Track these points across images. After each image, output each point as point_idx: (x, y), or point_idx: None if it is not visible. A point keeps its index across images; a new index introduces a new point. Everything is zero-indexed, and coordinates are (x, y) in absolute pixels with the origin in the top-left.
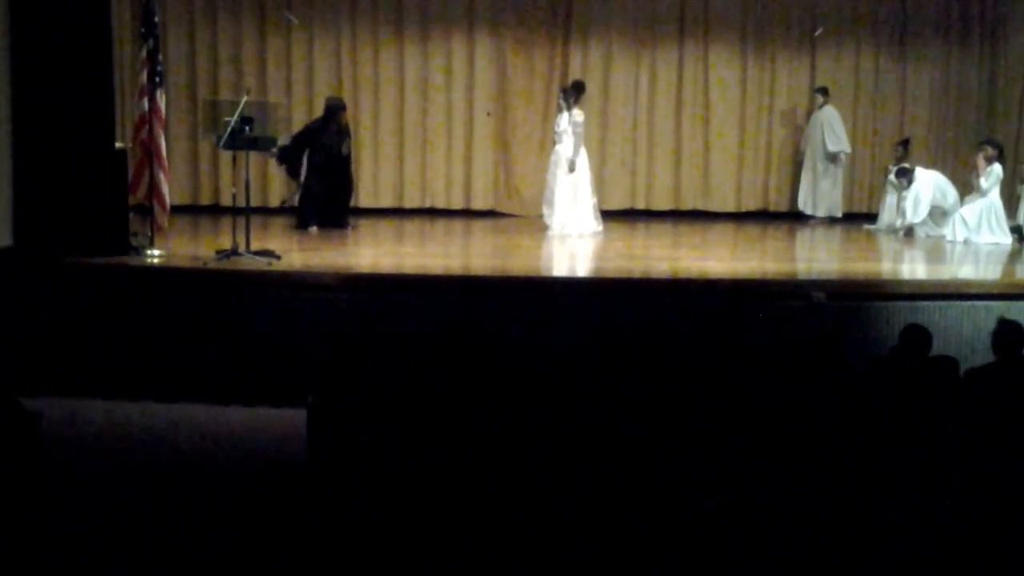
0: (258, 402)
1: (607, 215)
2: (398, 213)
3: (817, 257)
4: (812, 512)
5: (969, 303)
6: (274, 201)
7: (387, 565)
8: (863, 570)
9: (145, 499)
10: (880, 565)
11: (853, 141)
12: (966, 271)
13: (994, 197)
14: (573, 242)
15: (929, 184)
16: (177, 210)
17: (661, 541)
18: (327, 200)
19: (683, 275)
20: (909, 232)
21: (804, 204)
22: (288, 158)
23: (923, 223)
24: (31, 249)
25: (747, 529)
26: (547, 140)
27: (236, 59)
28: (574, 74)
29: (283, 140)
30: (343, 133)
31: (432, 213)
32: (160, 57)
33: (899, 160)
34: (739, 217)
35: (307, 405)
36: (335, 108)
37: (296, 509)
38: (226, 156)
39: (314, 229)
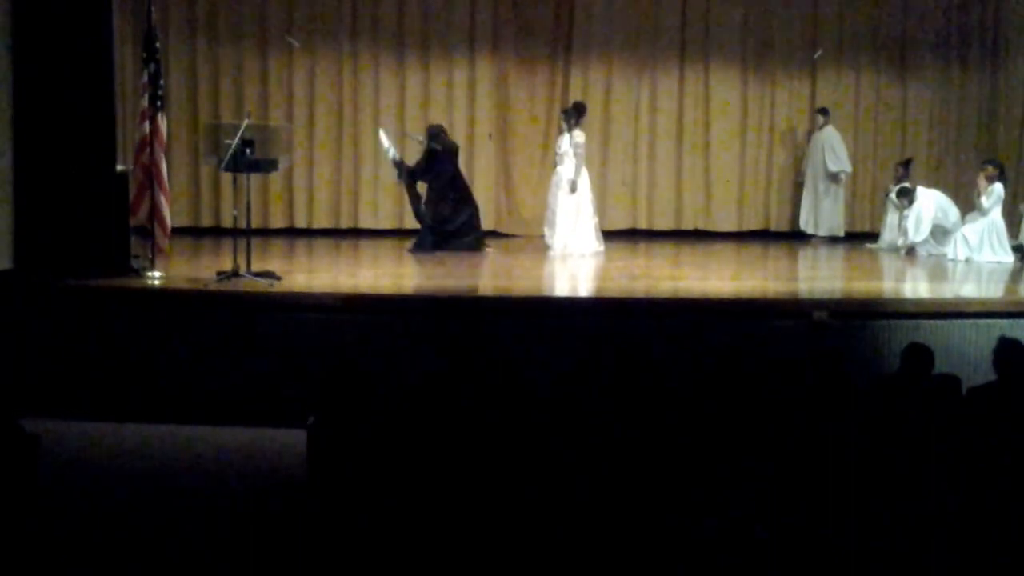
0: (258, 423)
1: (608, 235)
2: (399, 234)
3: (819, 276)
4: (812, 531)
5: (971, 321)
6: (274, 223)
7: None
8: None
9: (145, 520)
10: None
11: (854, 161)
12: (968, 290)
13: (996, 216)
14: (575, 262)
15: (930, 203)
16: (178, 232)
17: (661, 563)
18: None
19: (685, 295)
20: (911, 251)
21: (806, 223)
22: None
23: (925, 242)
24: (32, 271)
25: (747, 550)
26: (548, 161)
27: (237, 82)
28: (575, 95)
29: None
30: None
31: None
32: (161, 80)
33: (899, 180)
34: (740, 237)
35: (307, 426)
36: (433, 133)
37: (296, 529)
38: (226, 178)
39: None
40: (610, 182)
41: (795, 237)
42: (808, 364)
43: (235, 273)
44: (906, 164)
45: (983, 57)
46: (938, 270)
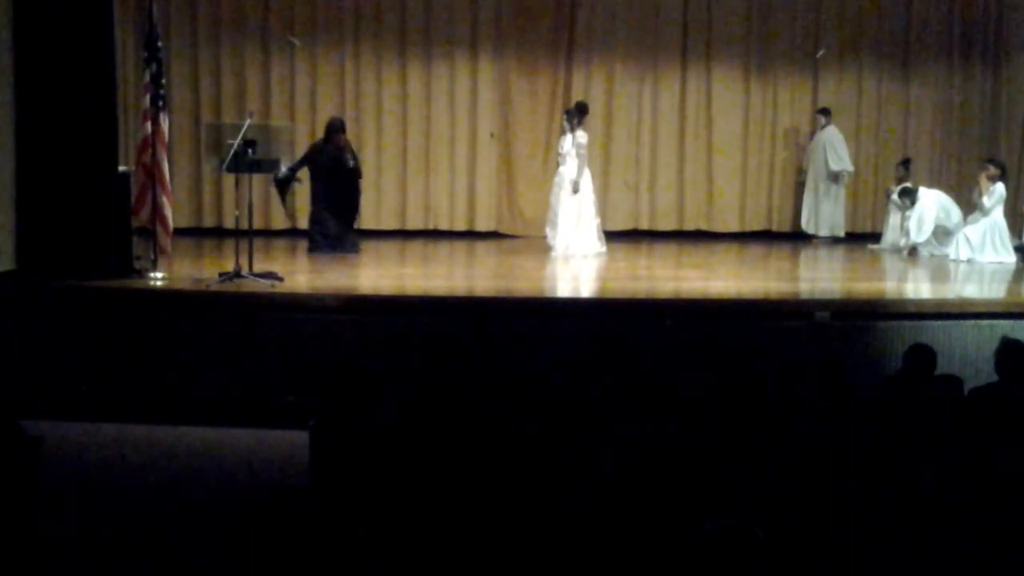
0: (260, 424)
1: (611, 236)
2: (401, 235)
3: (821, 277)
4: (813, 531)
5: (973, 322)
6: (276, 223)
7: None
8: None
9: (147, 521)
10: None
11: (856, 161)
12: (970, 290)
13: (998, 216)
14: (577, 263)
15: (933, 203)
16: (180, 233)
17: (661, 564)
18: (337, 224)
19: (687, 295)
20: (913, 251)
21: (807, 224)
22: (283, 180)
23: (927, 242)
24: (34, 272)
25: (747, 550)
26: (550, 161)
27: (239, 82)
28: (577, 95)
29: (286, 165)
30: (343, 153)
31: (435, 234)
32: (163, 81)
33: (900, 180)
34: (742, 237)
35: (309, 427)
36: (331, 128)
37: (297, 531)
38: (228, 179)
39: (325, 255)
40: (612, 182)
41: (797, 237)
42: (810, 364)
43: (237, 274)
44: (905, 164)
45: (985, 57)
46: (940, 271)
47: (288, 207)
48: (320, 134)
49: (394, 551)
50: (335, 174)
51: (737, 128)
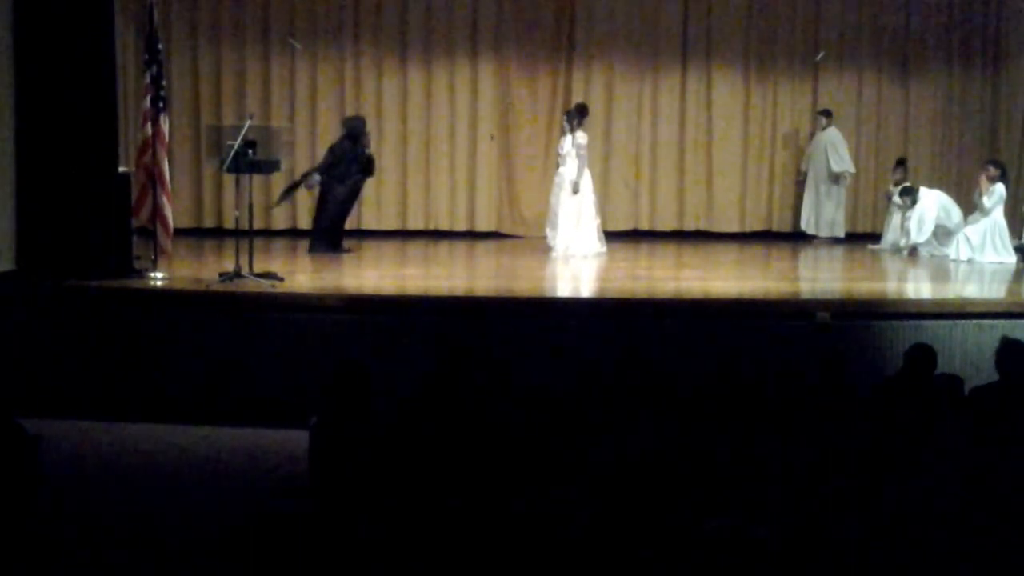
0: (260, 423)
1: (611, 236)
2: (402, 235)
3: (821, 277)
4: (813, 531)
5: (973, 322)
6: (276, 223)
7: None
8: None
9: (147, 521)
10: None
11: (856, 162)
12: (970, 290)
13: (998, 216)
14: (577, 263)
15: (933, 203)
16: (180, 233)
17: (661, 564)
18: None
19: (687, 295)
20: (913, 251)
21: (807, 224)
22: (306, 186)
23: (927, 242)
24: (34, 272)
25: (747, 550)
26: (550, 162)
27: (239, 84)
28: (577, 96)
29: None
30: (366, 154)
31: (436, 235)
32: (164, 82)
33: (899, 181)
34: (743, 238)
35: (309, 426)
36: (359, 129)
37: (297, 531)
38: (228, 179)
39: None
40: (612, 183)
41: (797, 238)
42: (810, 364)
43: (237, 274)
44: (902, 164)
45: (985, 58)
46: (940, 271)
47: (276, 204)
48: (320, 135)
49: (394, 551)
50: (355, 174)
51: (737, 128)
